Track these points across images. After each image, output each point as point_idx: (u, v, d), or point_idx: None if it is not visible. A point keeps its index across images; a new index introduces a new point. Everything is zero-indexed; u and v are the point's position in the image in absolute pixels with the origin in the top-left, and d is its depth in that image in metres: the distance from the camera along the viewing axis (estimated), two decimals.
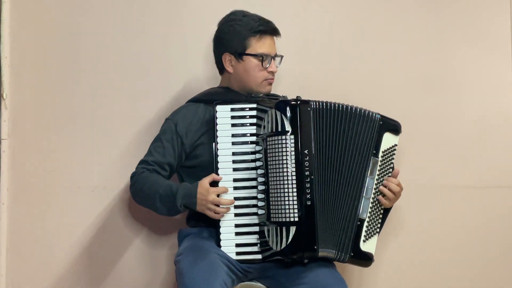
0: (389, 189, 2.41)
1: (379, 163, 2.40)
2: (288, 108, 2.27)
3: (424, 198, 2.95)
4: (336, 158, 2.35)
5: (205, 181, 2.30)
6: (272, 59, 2.49)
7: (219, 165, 2.33)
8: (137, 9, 2.86)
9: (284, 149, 2.26)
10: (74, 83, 2.83)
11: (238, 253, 2.31)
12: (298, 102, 2.30)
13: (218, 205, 2.30)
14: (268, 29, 2.49)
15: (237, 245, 2.32)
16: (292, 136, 2.26)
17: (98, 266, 2.81)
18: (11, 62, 2.81)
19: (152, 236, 2.83)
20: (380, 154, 2.40)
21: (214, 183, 2.32)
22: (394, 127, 2.44)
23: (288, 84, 2.84)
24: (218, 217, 2.31)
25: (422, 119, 2.96)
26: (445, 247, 2.97)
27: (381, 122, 2.41)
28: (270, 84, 2.51)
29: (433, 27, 3.00)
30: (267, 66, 2.47)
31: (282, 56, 2.53)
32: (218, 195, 2.30)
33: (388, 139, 2.42)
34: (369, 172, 2.38)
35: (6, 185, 2.77)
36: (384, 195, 2.41)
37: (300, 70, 2.91)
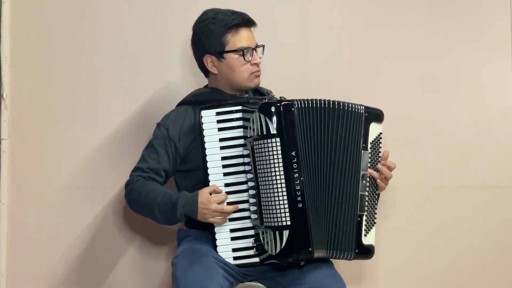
0: (387, 171, 2.38)
1: (369, 155, 2.36)
2: (272, 110, 2.23)
3: (424, 198, 2.95)
4: (326, 156, 2.30)
5: (206, 191, 2.27)
6: (254, 51, 2.43)
7: (209, 171, 2.30)
8: (137, 9, 2.85)
9: (271, 153, 2.22)
10: (74, 83, 2.82)
11: (235, 258, 2.30)
12: (282, 103, 2.25)
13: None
14: (243, 21, 2.43)
15: (234, 250, 2.30)
16: (278, 139, 2.21)
17: (99, 265, 2.81)
18: (11, 62, 2.81)
19: (152, 236, 2.83)
20: (369, 146, 2.36)
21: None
22: (378, 117, 2.39)
23: (288, 84, 2.82)
24: (220, 221, 2.29)
25: (422, 119, 2.95)
26: (445, 247, 2.96)
27: (366, 114, 2.35)
28: (258, 76, 2.45)
29: (433, 27, 2.99)
30: (250, 59, 2.42)
31: (263, 46, 2.47)
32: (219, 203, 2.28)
33: (374, 129, 2.37)
34: (361, 166, 2.34)
35: (6, 185, 2.78)
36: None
37: (300, 71, 2.90)
